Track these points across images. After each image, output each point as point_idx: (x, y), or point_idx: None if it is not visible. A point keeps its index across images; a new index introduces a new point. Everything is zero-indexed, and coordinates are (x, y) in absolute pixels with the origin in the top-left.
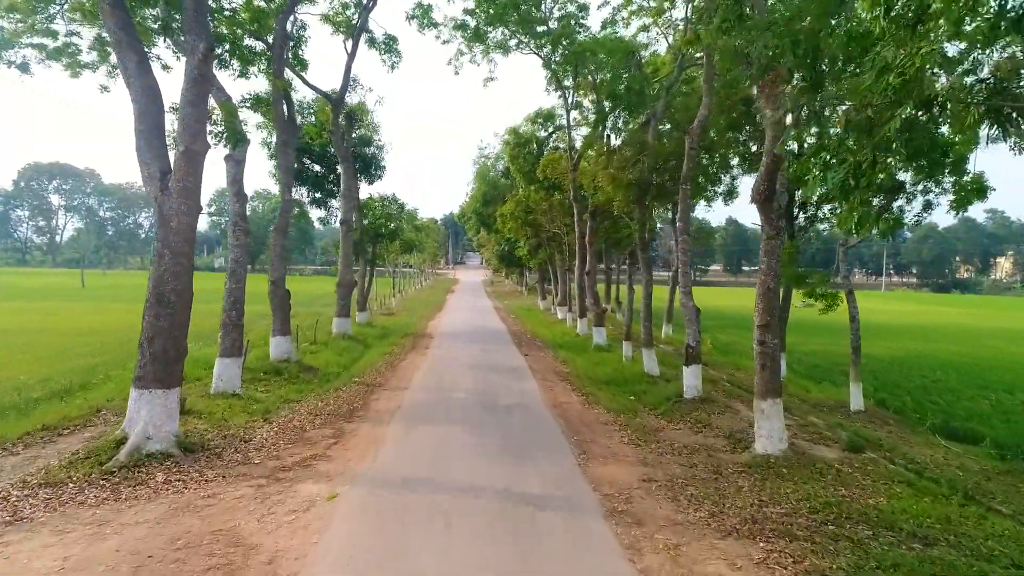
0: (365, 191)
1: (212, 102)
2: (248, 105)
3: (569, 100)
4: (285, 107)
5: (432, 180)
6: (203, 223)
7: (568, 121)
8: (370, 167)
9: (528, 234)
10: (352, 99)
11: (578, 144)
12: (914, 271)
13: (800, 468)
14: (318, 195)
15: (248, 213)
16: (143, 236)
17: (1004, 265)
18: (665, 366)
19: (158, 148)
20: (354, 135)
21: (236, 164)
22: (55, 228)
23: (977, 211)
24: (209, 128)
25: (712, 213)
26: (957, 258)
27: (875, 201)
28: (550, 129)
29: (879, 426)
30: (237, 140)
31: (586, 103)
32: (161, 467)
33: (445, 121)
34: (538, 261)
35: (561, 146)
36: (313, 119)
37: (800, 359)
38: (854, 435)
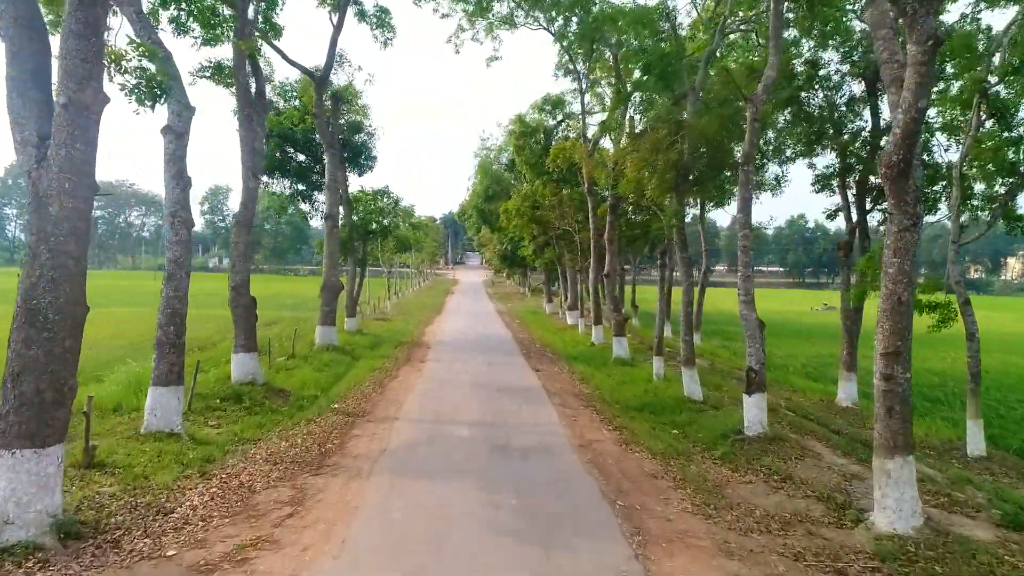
0: (355, 184)
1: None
2: (208, 75)
3: (583, 83)
4: (253, 79)
5: (431, 178)
6: (199, 222)
7: (583, 105)
8: (360, 156)
9: (535, 232)
10: (339, 79)
11: (592, 132)
12: (922, 271)
13: (952, 559)
14: (302, 188)
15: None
16: (134, 235)
17: (1015, 266)
18: (705, 387)
19: (38, 103)
20: (341, 120)
21: (176, 138)
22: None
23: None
24: (120, 81)
25: (712, 212)
26: (967, 258)
27: None
28: (559, 117)
29: (1018, 481)
30: (156, 93)
31: (604, 88)
32: (20, 570)
33: (444, 113)
34: (544, 261)
35: (572, 135)
36: (297, 103)
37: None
38: (1015, 505)
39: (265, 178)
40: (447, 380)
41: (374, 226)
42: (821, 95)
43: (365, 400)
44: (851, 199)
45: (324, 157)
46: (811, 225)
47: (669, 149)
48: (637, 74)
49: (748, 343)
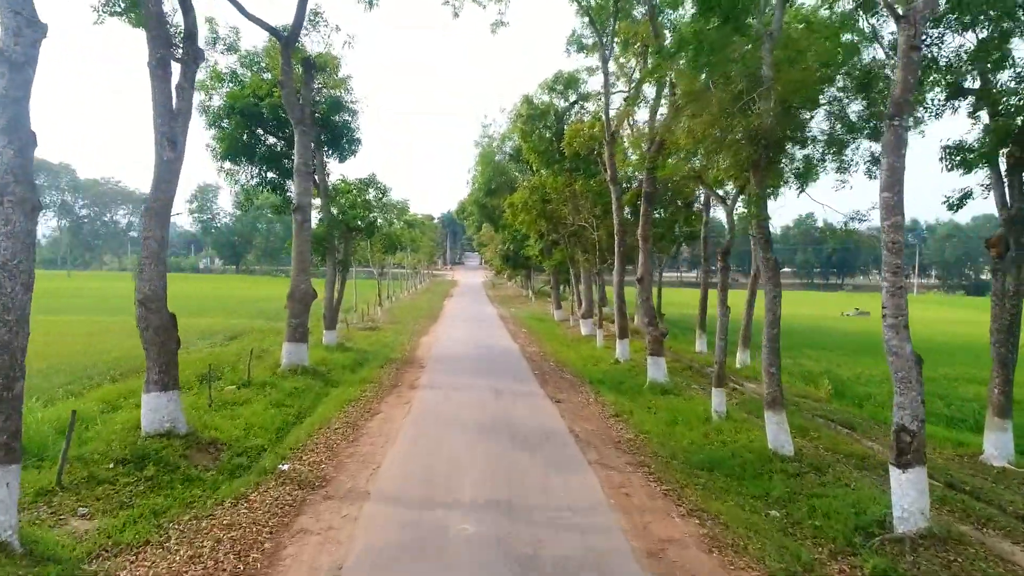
0: (336, 173)
1: None
2: (113, 8)
3: (607, 46)
4: (181, 14)
5: (430, 177)
6: (186, 221)
7: (605, 76)
8: (340, 139)
9: (544, 229)
10: (313, 44)
11: (615, 110)
12: (933, 272)
13: None
14: (273, 176)
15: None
16: (121, 235)
17: None
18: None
19: None
20: (319, 97)
21: (11, 70)
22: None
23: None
24: None
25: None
26: (981, 258)
27: None
28: (572, 98)
29: None
30: None
31: (631, 63)
32: None
33: (443, 104)
34: (553, 263)
35: (588, 119)
36: (268, 76)
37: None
38: None
39: (228, 164)
40: (443, 419)
41: (358, 222)
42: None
43: (329, 455)
44: (1004, 177)
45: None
46: (819, 224)
47: (744, 113)
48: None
49: (898, 390)
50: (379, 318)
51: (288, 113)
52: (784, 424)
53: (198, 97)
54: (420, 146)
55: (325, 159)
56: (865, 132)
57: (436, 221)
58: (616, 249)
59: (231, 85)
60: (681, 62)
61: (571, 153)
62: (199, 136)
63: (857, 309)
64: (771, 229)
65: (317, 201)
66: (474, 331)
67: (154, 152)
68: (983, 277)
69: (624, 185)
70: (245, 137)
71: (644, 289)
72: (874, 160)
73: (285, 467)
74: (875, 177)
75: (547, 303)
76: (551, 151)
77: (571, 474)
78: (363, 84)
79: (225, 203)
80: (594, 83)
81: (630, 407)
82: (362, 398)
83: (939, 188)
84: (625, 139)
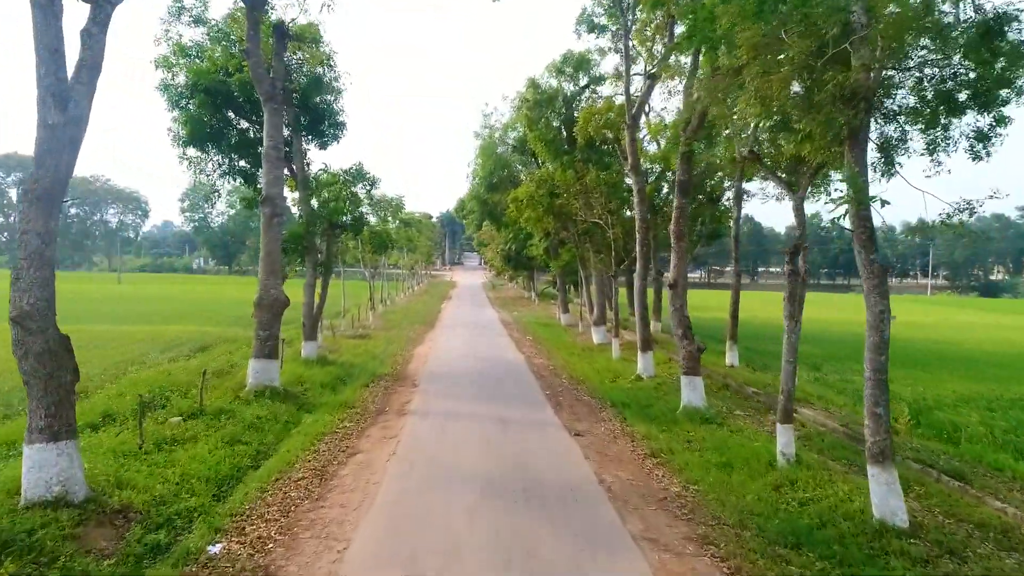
0: (319, 162)
1: None
2: None
3: (628, 17)
4: None
5: (428, 176)
6: (178, 220)
7: (626, 50)
8: (320, 122)
9: (552, 226)
10: (287, 10)
11: (636, 88)
12: (942, 273)
13: None
14: (243, 164)
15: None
16: (107, 235)
17: None
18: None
19: None
20: (300, 77)
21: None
22: (13, 225)
23: (1008, 206)
24: None
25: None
26: (991, 259)
27: None
28: (583, 81)
29: None
30: None
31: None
32: None
33: (442, 96)
34: (561, 264)
35: (601, 104)
36: (239, 50)
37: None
38: None
39: (193, 151)
40: (437, 465)
41: (343, 218)
42: None
43: (283, 525)
44: None
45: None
46: (826, 224)
47: (833, 66)
48: None
49: None
50: (371, 324)
51: (256, 88)
52: (896, 485)
53: (159, 75)
54: (418, 143)
55: (304, 145)
56: (979, 100)
57: (435, 220)
58: (638, 248)
59: (198, 61)
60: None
61: (584, 140)
62: (164, 119)
63: None
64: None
65: (295, 195)
66: (474, 339)
67: (36, 112)
68: (992, 278)
69: (650, 174)
70: (212, 120)
71: (677, 296)
72: (981, 137)
73: (216, 549)
74: (982, 158)
75: (551, 306)
76: (559, 140)
77: (612, 558)
78: (351, 65)
79: (220, 202)
80: (607, 65)
81: (667, 442)
82: (339, 429)
83: (944, 187)
84: (644, 127)
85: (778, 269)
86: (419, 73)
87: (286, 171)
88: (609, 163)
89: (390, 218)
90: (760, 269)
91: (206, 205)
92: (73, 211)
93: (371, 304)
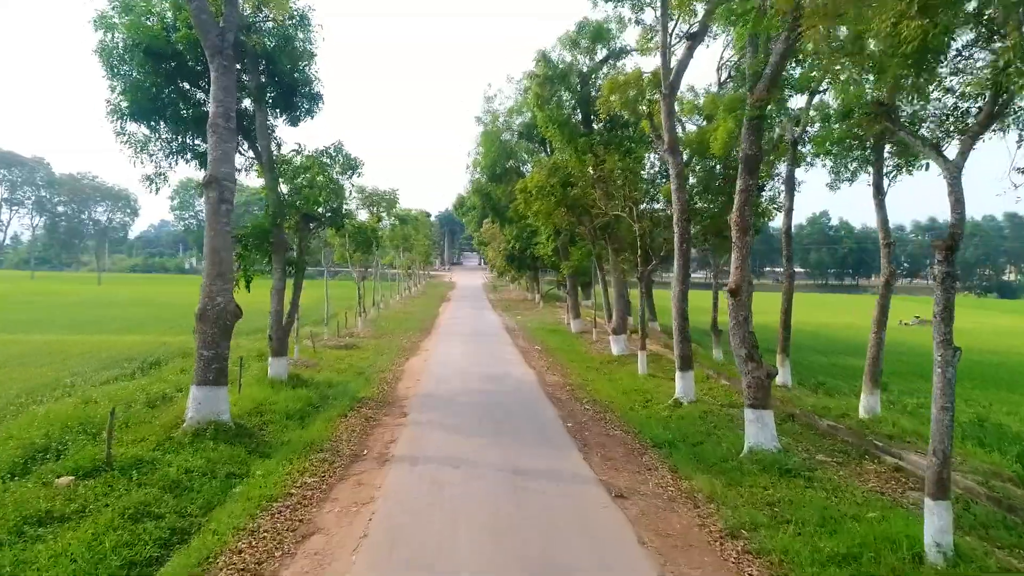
0: (291, 142)
1: None
2: None
3: None
4: None
5: (427, 175)
6: (169, 217)
7: (664, 5)
8: (292, 93)
9: (565, 221)
10: None
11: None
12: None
13: None
14: (199, 142)
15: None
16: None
17: None
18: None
19: None
20: (267, 38)
21: None
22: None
23: (1021, 205)
24: None
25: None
26: (1002, 258)
27: None
28: (601, 54)
29: None
30: None
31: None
32: None
33: (441, 85)
34: (573, 264)
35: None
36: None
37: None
38: None
39: (135, 127)
40: (426, 564)
41: (319, 208)
42: None
43: None
44: None
45: (246, 103)
46: (835, 223)
47: None
48: None
49: None
50: (359, 331)
51: (201, 39)
52: None
53: (97, 36)
54: (417, 142)
55: (271, 120)
56: None
57: (433, 219)
58: (677, 244)
59: (143, 21)
60: None
61: (607, 115)
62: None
63: (917, 317)
64: None
65: (263, 183)
66: (476, 349)
67: None
68: (1004, 278)
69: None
70: (158, 88)
71: (740, 306)
72: None
73: None
74: None
75: (556, 309)
76: (574, 122)
77: None
78: (349, 55)
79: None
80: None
81: (746, 509)
82: (295, 491)
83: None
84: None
85: (781, 269)
86: (418, 66)
87: (250, 152)
88: (631, 148)
89: (383, 214)
90: (766, 269)
91: (196, 203)
92: (61, 209)
93: (360, 309)
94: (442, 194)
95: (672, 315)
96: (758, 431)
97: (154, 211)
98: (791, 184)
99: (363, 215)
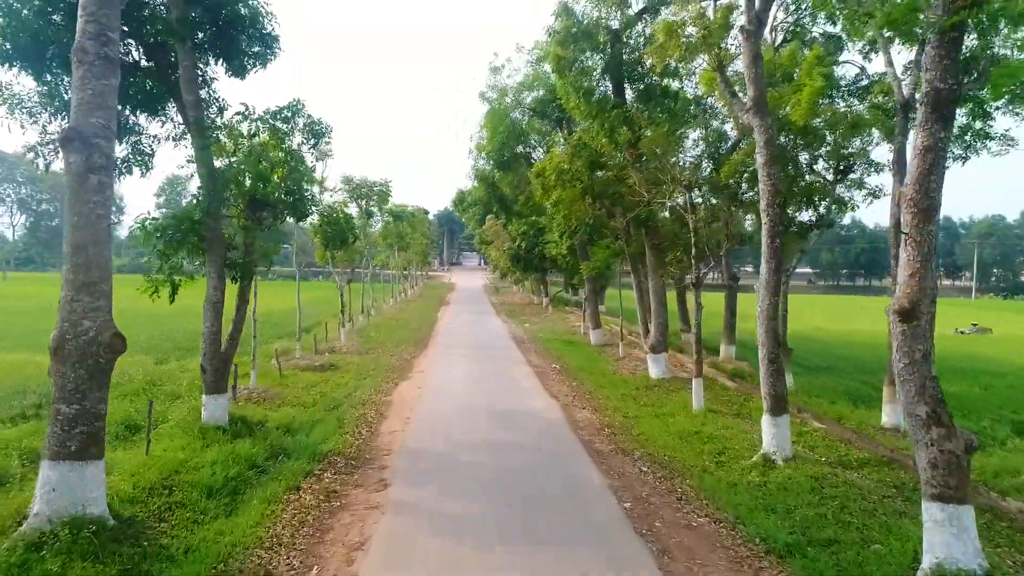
0: (231, 97)
1: None
2: None
3: None
4: None
5: (426, 173)
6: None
7: None
8: (232, 31)
9: (591, 213)
10: None
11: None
12: (967, 273)
13: None
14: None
15: None
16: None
17: None
18: None
19: None
20: None
21: None
22: None
23: None
24: None
25: None
26: (1020, 259)
27: None
28: (637, 5)
29: None
30: None
31: None
32: None
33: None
34: (595, 266)
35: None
36: None
37: None
38: None
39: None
40: None
41: (273, 192)
42: None
43: None
44: None
45: (177, 60)
46: (846, 222)
47: None
48: None
49: None
50: (341, 345)
51: None
52: None
53: None
54: (417, 139)
55: (204, 68)
56: None
57: (432, 217)
58: (765, 241)
59: None
60: None
61: (660, 66)
62: None
63: (975, 325)
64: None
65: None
66: (482, 370)
67: None
68: (1022, 279)
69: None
70: (41, 23)
71: (917, 335)
72: None
73: None
74: None
75: (567, 314)
76: (602, 92)
77: None
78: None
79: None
80: None
81: None
82: None
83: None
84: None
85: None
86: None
87: (176, 115)
88: (682, 113)
89: (375, 208)
90: (747, 269)
91: (184, 200)
92: (44, 207)
93: (343, 319)
94: (441, 194)
95: (759, 336)
96: (950, 539)
97: (142, 209)
98: (901, 157)
99: (352, 210)
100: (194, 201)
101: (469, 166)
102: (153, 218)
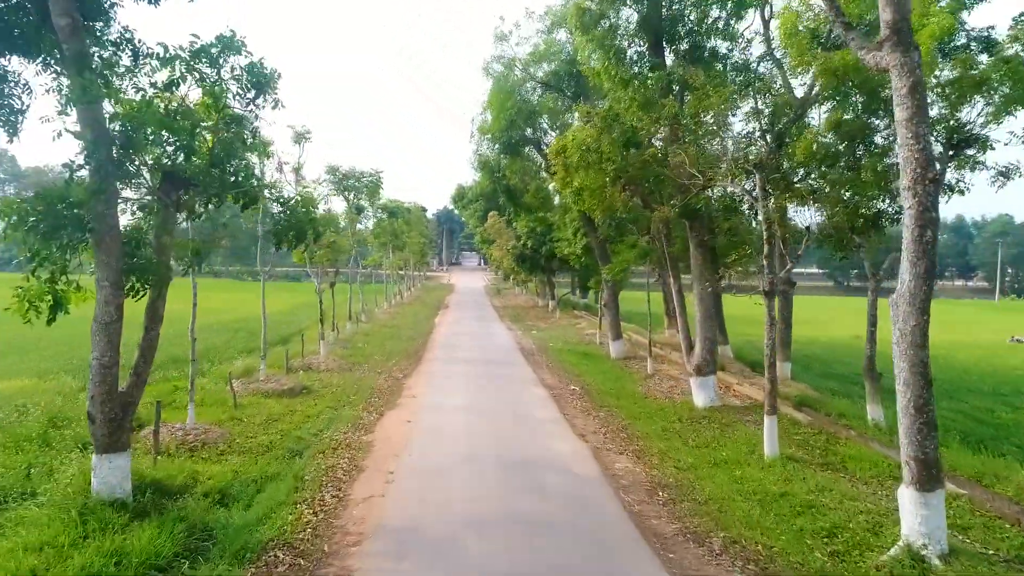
0: (150, 35)
1: None
2: None
3: None
4: None
5: (424, 171)
6: None
7: None
8: None
9: (621, 201)
10: None
11: None
12: (980, 274)
13: None
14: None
15: None
16: None
17: None
18: None
19: None
20: None
21: None
22: None
23: None
24: None
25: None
26: None
27: None
28: None
29: None
30: None
31: None
32: None
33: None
34: (621, 267)
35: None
36: None
37: None
38: None
39: None
40: None
41: (197, 165)
42: None
43: None
44: None
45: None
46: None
47: None
48: None
49: None
50: (321, 360)
51: None
52: None
53: None
54: (416, 138)
55: None
56: None
57: (431, 216)
58: (909, 235)
59: None
60: None
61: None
62: None
63: (1014, 338)
64: None
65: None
66: (487, 396)
67: None
68: None
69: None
70: None
71: None
72: None
73: None
74: None
75: (575, 318)
76: (638, 57)
77: None
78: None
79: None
80: None
81: None
82: None
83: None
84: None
85: (800, 270)
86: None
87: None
88: (747, 73)
89: (364, 202)
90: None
91: None
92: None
93: (322, 329)
94: (440, 194)
95: (897, 371)
96: None
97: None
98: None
99: (339, 205)
100: (70, 176)
101: (471, 152)
102: (16, 200)
